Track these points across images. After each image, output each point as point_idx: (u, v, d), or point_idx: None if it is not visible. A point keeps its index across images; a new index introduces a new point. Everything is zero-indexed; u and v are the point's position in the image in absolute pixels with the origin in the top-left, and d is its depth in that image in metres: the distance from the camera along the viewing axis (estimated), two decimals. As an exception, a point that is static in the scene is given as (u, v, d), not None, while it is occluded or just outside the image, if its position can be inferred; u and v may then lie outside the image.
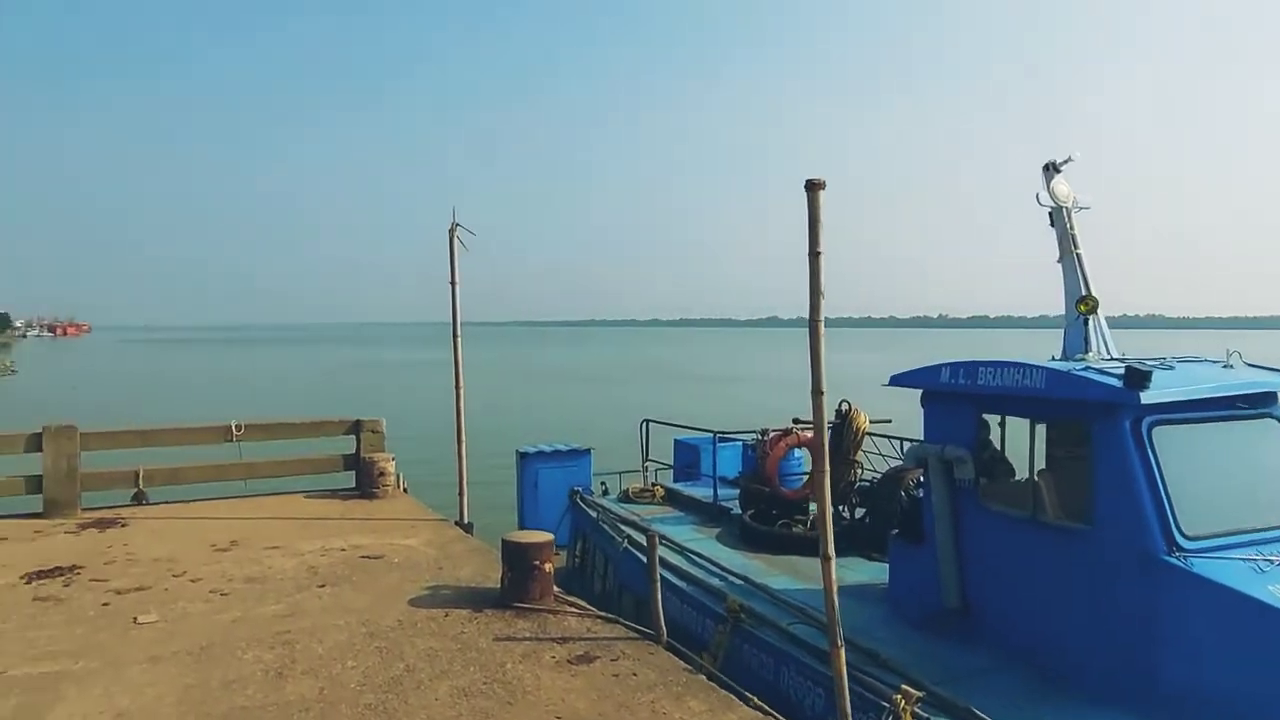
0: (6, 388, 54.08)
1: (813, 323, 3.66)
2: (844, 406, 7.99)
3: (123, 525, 7.35)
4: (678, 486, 10.37)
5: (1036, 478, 5.37)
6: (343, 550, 6.59)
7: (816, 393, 3.71)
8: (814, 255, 3.65)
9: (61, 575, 5.86)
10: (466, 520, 7.74)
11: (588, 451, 11.76)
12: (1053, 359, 5.86)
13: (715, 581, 6.79)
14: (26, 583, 5.70)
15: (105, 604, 5.29)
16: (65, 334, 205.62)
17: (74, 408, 38.68)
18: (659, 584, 4.95)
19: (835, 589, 3.76)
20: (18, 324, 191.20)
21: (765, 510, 8.55)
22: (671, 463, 11.80)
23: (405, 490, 8.93)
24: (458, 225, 7.68)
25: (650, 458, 10.92)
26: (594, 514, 9.26)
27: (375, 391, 49.37)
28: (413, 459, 9.22)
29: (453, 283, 7.87)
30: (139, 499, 8.13)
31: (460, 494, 8.05)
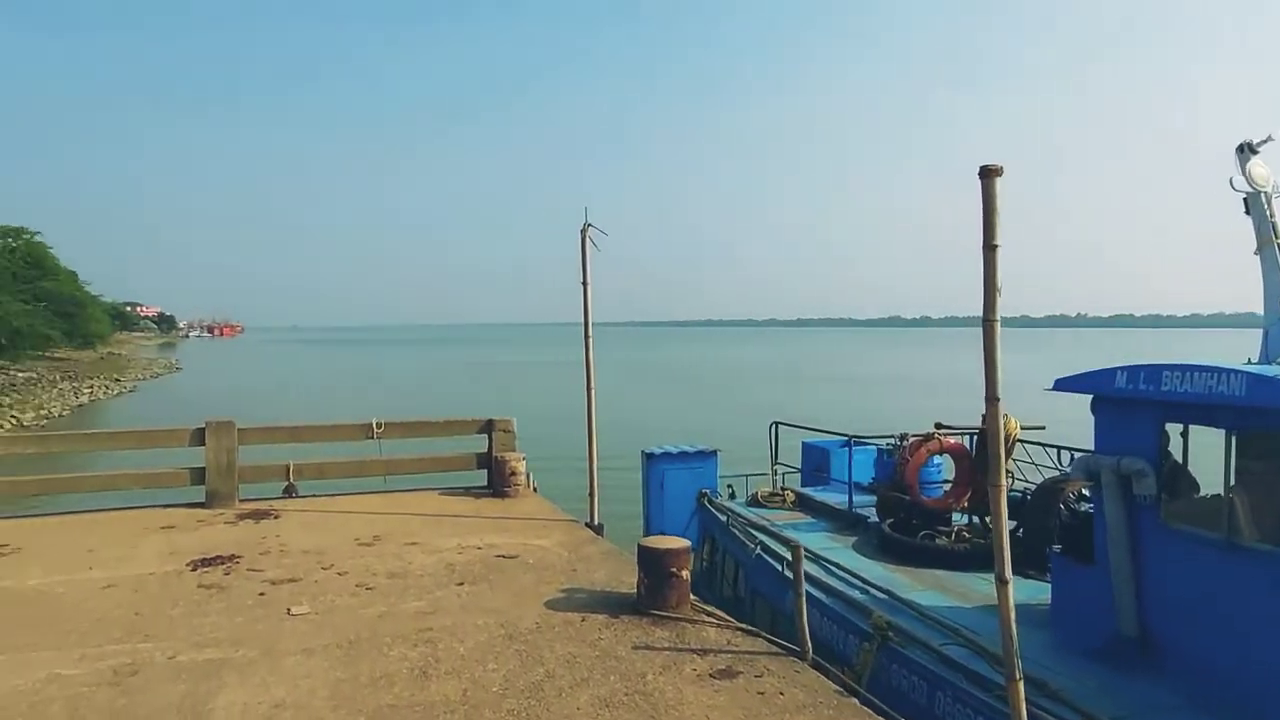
0: (172, 383, 59.06)
1: (987, 322, 3.33)
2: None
3: (275, 517, 7.71)
4: (808, 491, 10.03)
5: (1230, 494, 4.79)
6: (479, 549, 6.66)
7: (991, 399, 3.38)
8: (990, 248, 3.32)
9: (222, 564, 6.16)
10: (597, 522, 7.70)
11: (714, 453, 11.56)
12: (1249, 362, 5.23)
13: (855, 594, 6.46)
14: (192, 570, 6.03)
15: (261, 594, 5.51)
16: (222, 334, 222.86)
17: (229, 401, 41.76)
18: (804, 597, 4.70)
19: (1013, 616, 3.42)
20: (181, 325, 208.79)
21: (905, 520, 8.11)
22: (799, 466, 11.45)
23: (535, 490, 8.99)
24: (590, 225, 7.65)
25: (778, 461, 10.61)
26: (723, 518, 9.07)
27: (500, 390, 50.87)
28: (537, 458, 9.30)
29: (584, 283, 7.85)
30: (289, 492, 8.52)
31: (591, 495, 8.02)
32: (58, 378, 50.86)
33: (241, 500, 8.26)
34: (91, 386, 49.26)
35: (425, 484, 9.21)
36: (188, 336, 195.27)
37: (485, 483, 9.21)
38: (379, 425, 8.69)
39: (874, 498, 8.86)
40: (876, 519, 8.38)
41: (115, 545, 6.70)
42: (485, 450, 9.15)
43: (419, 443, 9.42)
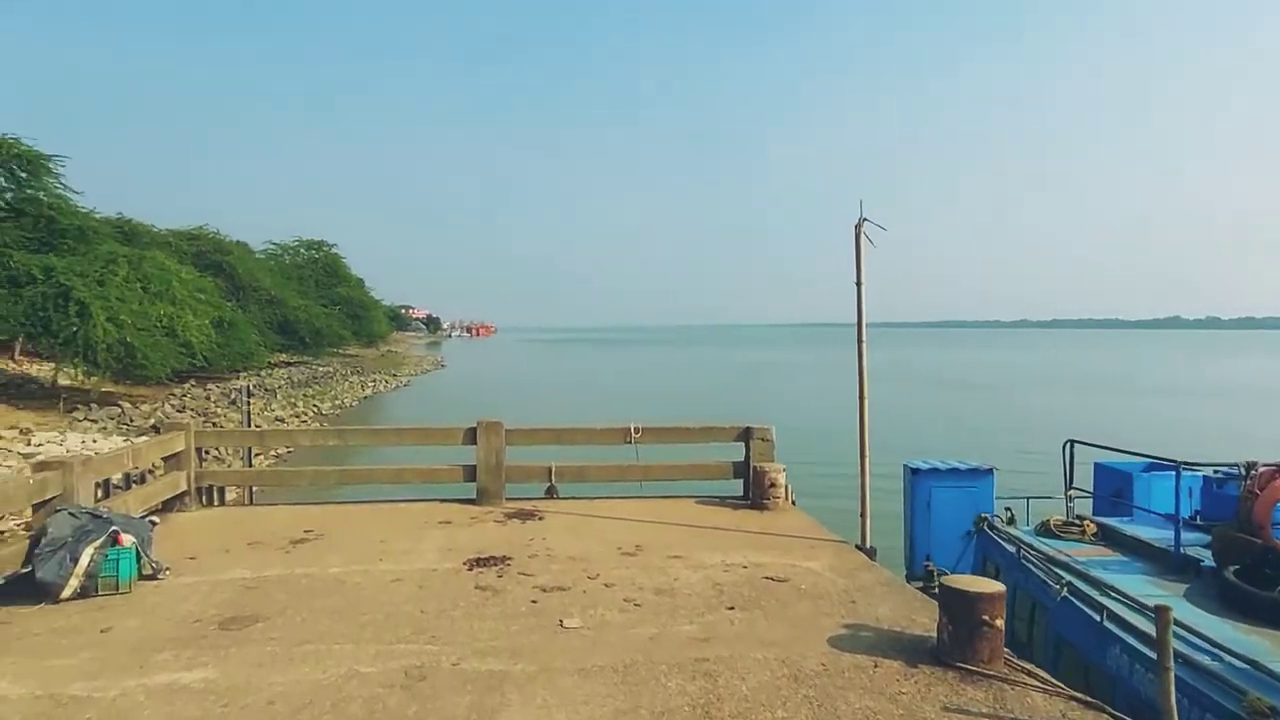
0: (439, 379, 65.20)
1: None
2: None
3: (539, 519, 7.81)
4: (1113, 523, 8.60)
5: None
6: (744, 567, 6.25)
7: None
8: None
9: (495, 565, 6.25)
10: (869, 545, 7.01)
11: (990, 471, 10.37)
12: None
13: (1204, 659, 5.28)
14: (468, 569, 6.16)
15: (534, 601, 5.46)
16: (478, 334, 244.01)
17: (489, 396, 45.23)
18: (1171, 673, 3.76)
19: None
20: (445, 326, 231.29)
21: (1253, 568, 6.62)
22: (1091, 490, 9.93)
23: (793, 503, 8.45)
24: (865, 220, 6.99)
25: (1072, 485, 9.23)
26: (1012, 548, 7.98)
27: (744, 392, 50.60)
28: (790, 468, 8.78)
29: (859, 283, 7.19)
30: (550, 493, 8.65)
31: (862, 515, 7.34)
32: (348, 372, 57.96)
33: (508, 499, 8.49)
34: (374, 381, 55.59)
35: (680, 491, 9.00)
36: (450, 336, 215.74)
37: (742, 493, 8.83)
38: (637, 430, 8.59)
39: (1207, 537, 7.38)
40: (1212, 564, 6.94)
41: (402, 537, 7.07)
42: (742, 459, 8.77)
43: (674, 448, 9.21)
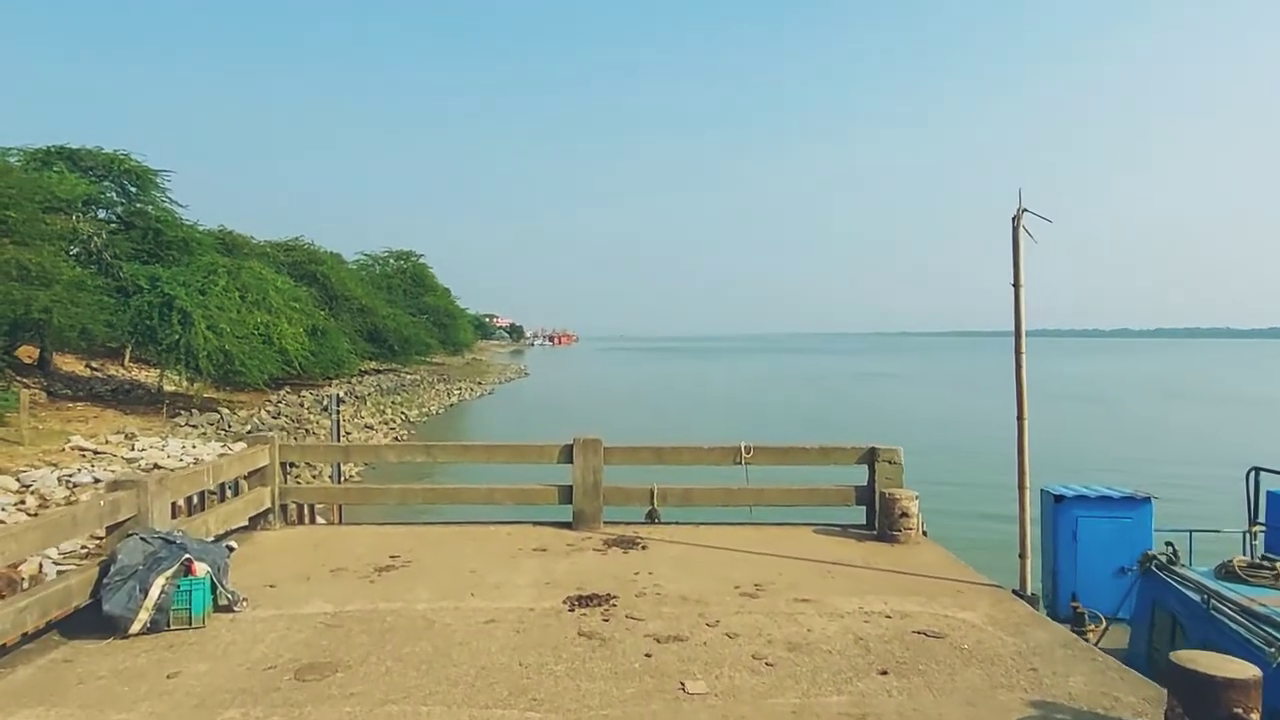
0: (523, 387, 65.53)
1: None
2: None
3: (642, 548, 7.06)
4: (1313, 567, 7.28)
5: None
6: (888, 617, 5.33)
7: None
8: None
9: (599, 605, 5.51)
10: (1030, 592, 5.99)
11: (1147, 500, 9.11)
12: None
13: None
14: (569, 609, 5.44)
15: (647, 654, 4.68)
16: (560, 343, 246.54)
17: (574, 405, 44.93)
18: None
19: None
20: (527, 335, 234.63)
21: None
22: (1264, 522, 8.58)
23: (924, 534, 7.46)
24: (1025, 211, 5.98)
25: (1257, 521, 7.94)
26: (1196, 596, 6.80)
27: (842, 405, 48.55)
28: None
29: (1016, 285, 6.17)
30: (651, 517, 7.90)
31: (1021, 555, 6.31)
32: (434, 380, 58.79)
33: (605, 523, 7.77)
34: (460, 389, 56.17)
35: (795, 517, 8.11)
36: (532, 344, 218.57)
37: (864, 520, 7.89)
38: (748, 450, 7.75)
39: None
40: None
41: (495, 567, 6.42)
42: (865, 483, 7.83)
43: (788, 470, 8.33)
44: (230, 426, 28.66)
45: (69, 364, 34.29)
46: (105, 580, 4.91)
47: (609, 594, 5.72)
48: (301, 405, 35.74)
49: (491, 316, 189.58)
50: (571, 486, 7.71)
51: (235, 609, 5.30)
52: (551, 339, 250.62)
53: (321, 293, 46.78)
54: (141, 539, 5.13)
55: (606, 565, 6.52)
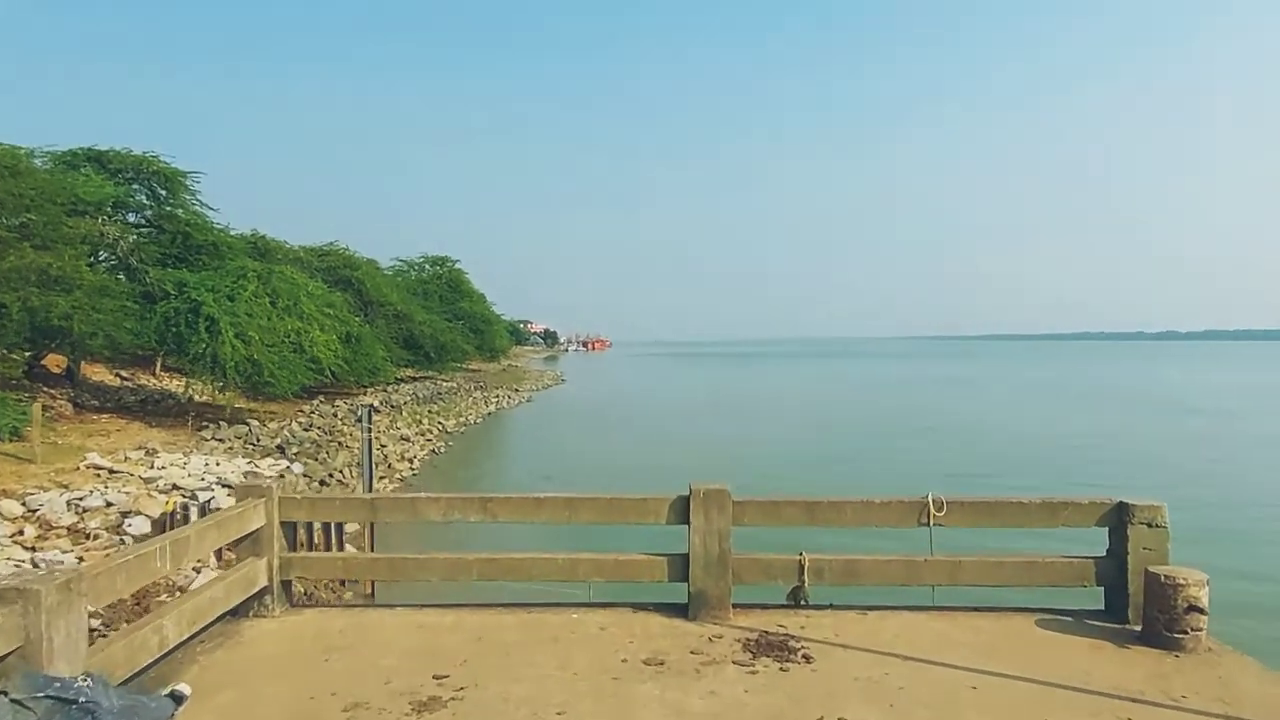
0: (561, 394, 63.51)
1: None
2: None
3: (804, 657, 4.74)
4: None
5: None
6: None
7: None
8: None
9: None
10: None
11: None
12: None
13: None
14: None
15: None
16: (593, 349, 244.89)
17: (624, 415, 42.45)
18: None
19: None
20: (562, 341, 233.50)
21: None
22: None
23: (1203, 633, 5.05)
24: None
25: None
26: None
27: (918, 420, 44.22)
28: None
29: None
30: (796, 598, 5.59)
31: None
32: (471, 387, 56.97)
33: (735, 606, 5.49)
34: (498, 396, 54.28)
35: (995, 599, 5.76)
36: (567, 350, 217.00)
37: (1102, 605, 5.52)
38: (938, 506, 5.41)
39: None
40: None
41: (591, 700, 4.16)
42: (1107, 553, 5.45)
43: (984, 534, 5.94)
44: (259, 440, 26.89)
45: (98, 373, 32.95)
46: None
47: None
48: (335, 415, 33.96)
49: (526, 322, 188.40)
50: (688, 556, 5.44)
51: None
52: (585, 344, 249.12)
53: (356, 299, 45.24)
54: (13, 701, 2.96)
55: (764, 697, 4.22)
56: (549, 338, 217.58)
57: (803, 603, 5.57)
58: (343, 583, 5.75)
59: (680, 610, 5.48)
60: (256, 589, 5.25)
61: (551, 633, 5.11)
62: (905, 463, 25.23)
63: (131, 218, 33.35)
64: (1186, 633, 4.87)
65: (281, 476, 21.51)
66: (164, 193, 33.77)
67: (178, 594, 10.87)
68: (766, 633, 5.11)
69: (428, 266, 69.29)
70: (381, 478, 24.48)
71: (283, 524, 5.41)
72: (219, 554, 5.24)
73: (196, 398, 30.33)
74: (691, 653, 4.83)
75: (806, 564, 5.47)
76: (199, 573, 10.63)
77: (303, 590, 5.78)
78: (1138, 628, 5.15)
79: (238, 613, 5.31)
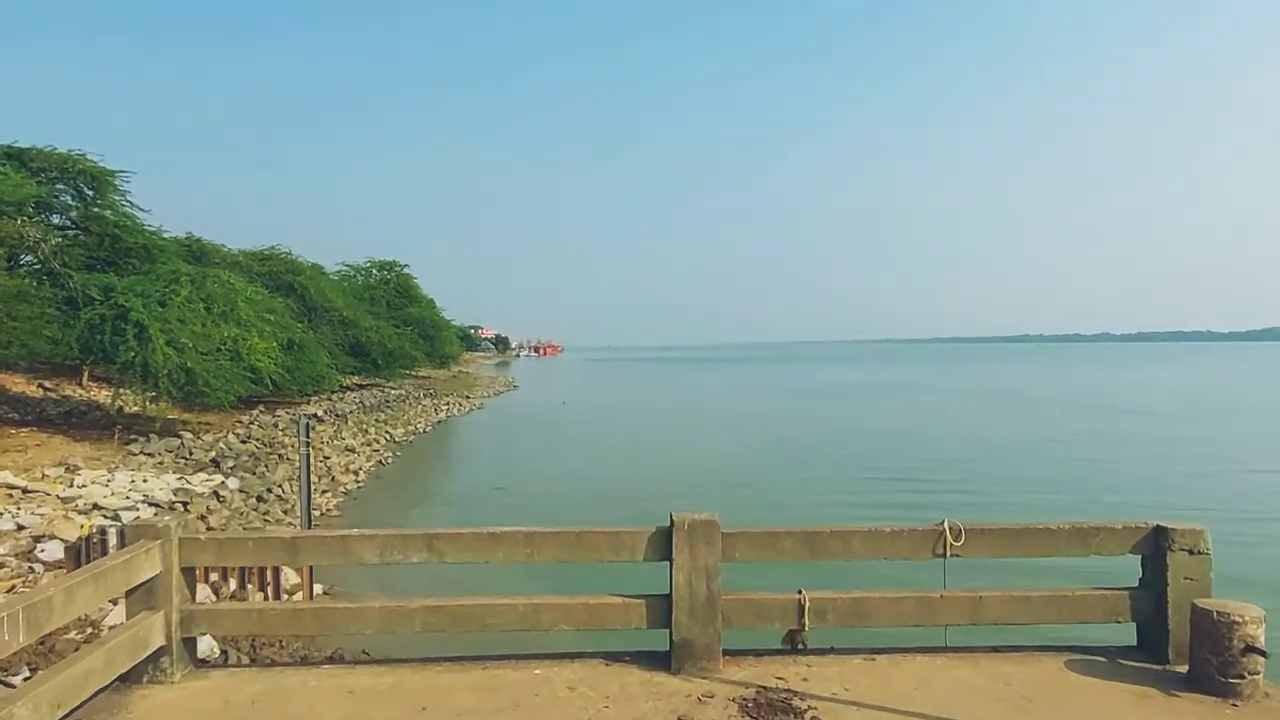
0: (514, 401, 62.23)
1: None
2: None
3: (811, 718, 4.00)
4: None
5: None
6: None
7: None
8: None
9: None
10: None
11: None
12: None
13: None
14: None
15: None
16: (545, 354, 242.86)
17: (579, 423, 41.50)
18: None
19: None
20: (514, 346, 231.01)
21: None
22: None
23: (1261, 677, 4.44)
24: None
25: None
26: None
27: (876, 421, 44.19)
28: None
29: None
30: (793, 642, 4.85)
31: None
32: (421, 394, 55.40)
33: (726, 654, 4.73)
34: (448, 403, 52.83)
35: (1014, 635, 5.10)
36: (518, 356, 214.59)
37: (1135, 641, 4.90)
38: (955, 534, 4.73)
39: None
40: None
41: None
42: (1142, 584, 4.83)
43: (1005, 565, 5.26)
44: (192, 454, 25.34)
45: (18, 384, 30.92)
46: None
47: None
48: (276, 426, 32.39)
49: (477, 328, 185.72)
50: (670, 598, 4.66)
51: None
52: (537, 350, 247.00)
53: (300, 304, 43.52)
54: None
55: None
56: (500, 343, 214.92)
57: (801, 647, 4.84)
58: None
59: (662, 661, 4.69)
60: (150, 651, 4.31)
61: (511, 696, 4.27)
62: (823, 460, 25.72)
63: (56, 219, 31.42)
64: (1244, 677, 4.25)
65: (216, 494, 20.15)
66: (91, 193, 31.89)
67: (90, 633, 9.66)
68: (764, 688, 4.35)
69: (375, 271, 67.36)
70: (325, 491, 23.18)
71: (183, 569, 4.48)
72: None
73: (126, 409, 28.57)
74: (679, 719, 4.05)
75: (807, 604, 4.73)
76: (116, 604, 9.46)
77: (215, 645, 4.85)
78: (1182, 669, 4.53)
79: (129, 678, 4.38)
